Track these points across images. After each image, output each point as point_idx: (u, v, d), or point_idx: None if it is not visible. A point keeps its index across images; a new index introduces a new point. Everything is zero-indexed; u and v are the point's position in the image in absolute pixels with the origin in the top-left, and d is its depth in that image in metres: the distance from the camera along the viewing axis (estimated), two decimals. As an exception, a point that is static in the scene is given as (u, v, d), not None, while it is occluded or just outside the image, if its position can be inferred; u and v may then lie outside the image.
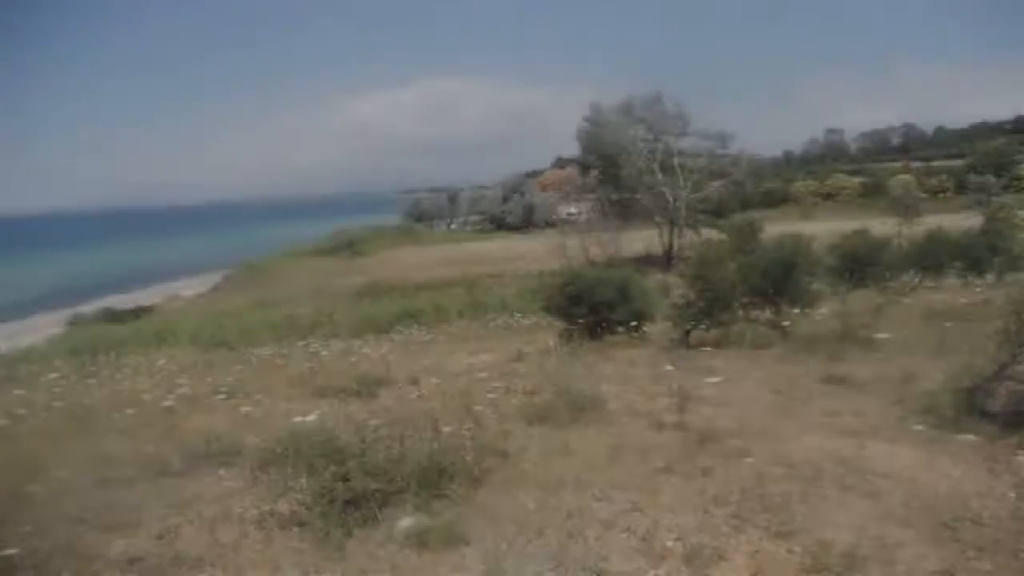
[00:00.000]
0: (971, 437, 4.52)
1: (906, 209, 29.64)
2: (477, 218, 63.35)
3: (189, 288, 42.02)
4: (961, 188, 46.84)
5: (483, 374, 8.15)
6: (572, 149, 46.91)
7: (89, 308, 29.72)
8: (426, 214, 65.56)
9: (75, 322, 26.42)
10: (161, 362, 11.35)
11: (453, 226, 64.72)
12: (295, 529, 3.79)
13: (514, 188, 62.74)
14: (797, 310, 9.37)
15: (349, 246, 50.83)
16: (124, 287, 42.37)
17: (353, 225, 63.75)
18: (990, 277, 13.97)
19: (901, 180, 52.38)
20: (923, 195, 38.82)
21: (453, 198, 67.40)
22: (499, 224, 59.36)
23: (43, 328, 26.08)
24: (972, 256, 13.79)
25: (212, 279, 43.77)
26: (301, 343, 13.79)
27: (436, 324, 17.16)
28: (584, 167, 41.93)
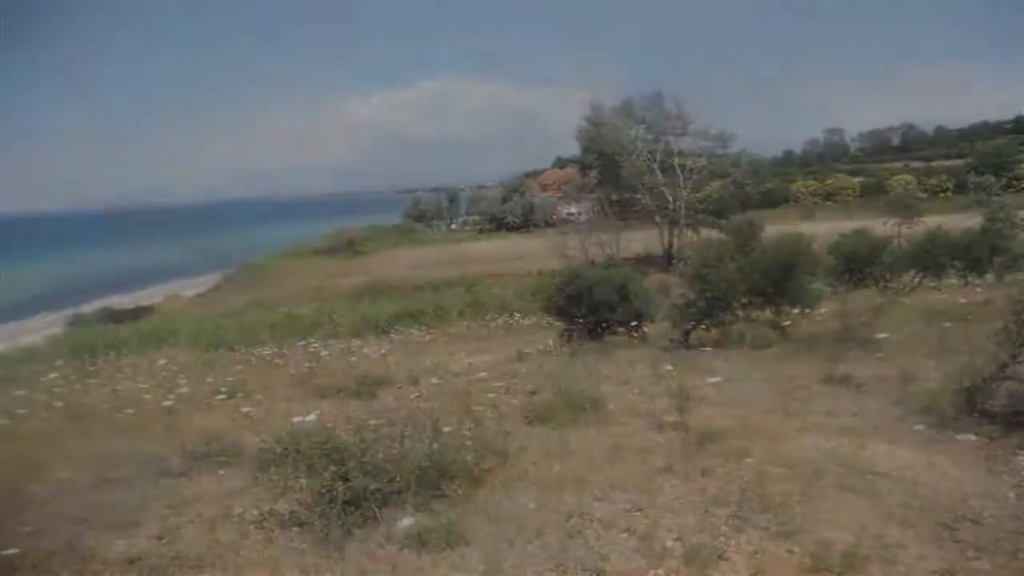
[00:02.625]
0: (971, 437, 4.52)
1: (906, 209, 29.66)
2: (477, 218, 63.26)
3: (189, 288, 42.06)
4: (961, 188, 46.84)
5: (483, 374, 8.17)
6: (572, 149, 47.07)
7: (89, 308, 29.72)
8: (426, 214, 65.48)
9: (75, 322, 26.39)
10: (161, 362, 11.37)
11: (453, 226, 64.68)
12: (295, 529, 3.80)
13: (514, 188, 62.73)
14: (797, 310, 9.37)
15: (349, 246, 50.89)
16: (124, 287, 42.38)
17: (353, 225, 63.78)
18: (990, 277, 13.98)
19: (901, 180, 52.44)
20: (923, 195, 38.78)
21: (453, 198, 67.39)
22: (499, 224, 59.26)
23: (43, 328, 26.09)
24: (972, 256, 13.80)
25: (212, 279, 43.83)
26: (301, 343, 13.83)
27: (436, 324, 17.22)
28: (584, 167, 41.97)
